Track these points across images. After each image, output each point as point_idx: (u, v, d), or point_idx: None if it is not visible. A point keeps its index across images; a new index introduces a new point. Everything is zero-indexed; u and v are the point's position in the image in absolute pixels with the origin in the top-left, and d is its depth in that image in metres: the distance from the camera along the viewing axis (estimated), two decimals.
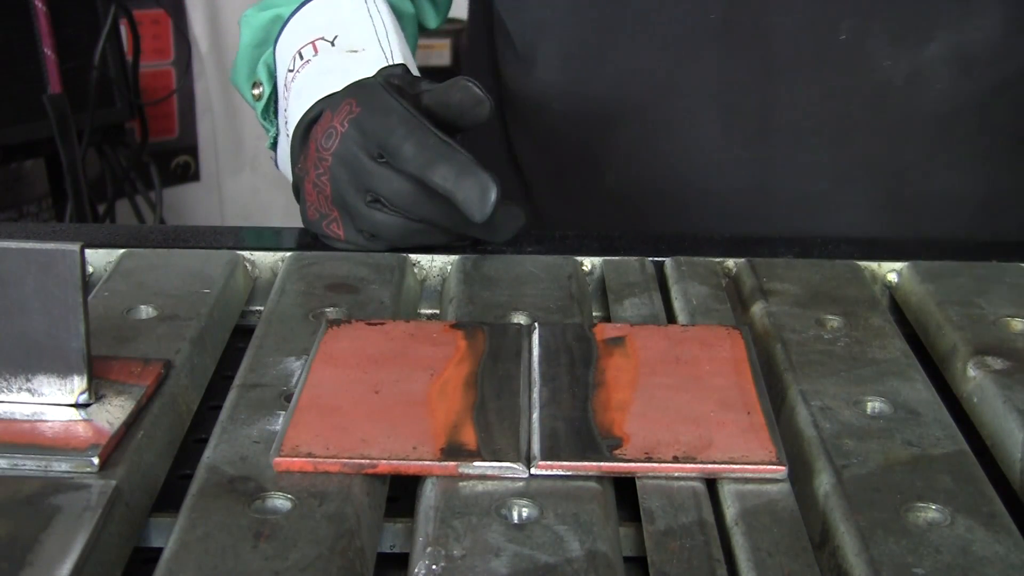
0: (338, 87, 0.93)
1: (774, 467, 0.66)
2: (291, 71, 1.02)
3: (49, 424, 0.68)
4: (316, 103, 0.95)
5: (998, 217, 1.16)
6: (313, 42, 1.02)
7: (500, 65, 1.21)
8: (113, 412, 0.69)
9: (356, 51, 0.99)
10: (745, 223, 1.12)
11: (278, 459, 0.65)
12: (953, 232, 1.12)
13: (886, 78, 1.08)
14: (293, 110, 0.99)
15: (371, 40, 1.00)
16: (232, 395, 0.73)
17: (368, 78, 0.91)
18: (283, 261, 0.91)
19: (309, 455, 0.65)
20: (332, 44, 1.00)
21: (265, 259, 0.92)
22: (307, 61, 1.00)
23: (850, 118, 1.09)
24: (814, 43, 1.06)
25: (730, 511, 0.64)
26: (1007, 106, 1.11)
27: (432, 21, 1.20)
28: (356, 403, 0.70)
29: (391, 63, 0.97)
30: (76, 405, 0.69)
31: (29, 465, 0.65)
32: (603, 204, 1.15)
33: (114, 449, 0.66)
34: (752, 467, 0.66)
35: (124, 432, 0.68)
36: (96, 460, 0.65)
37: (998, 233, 1.15)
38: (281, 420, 0.69)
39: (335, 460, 0.65)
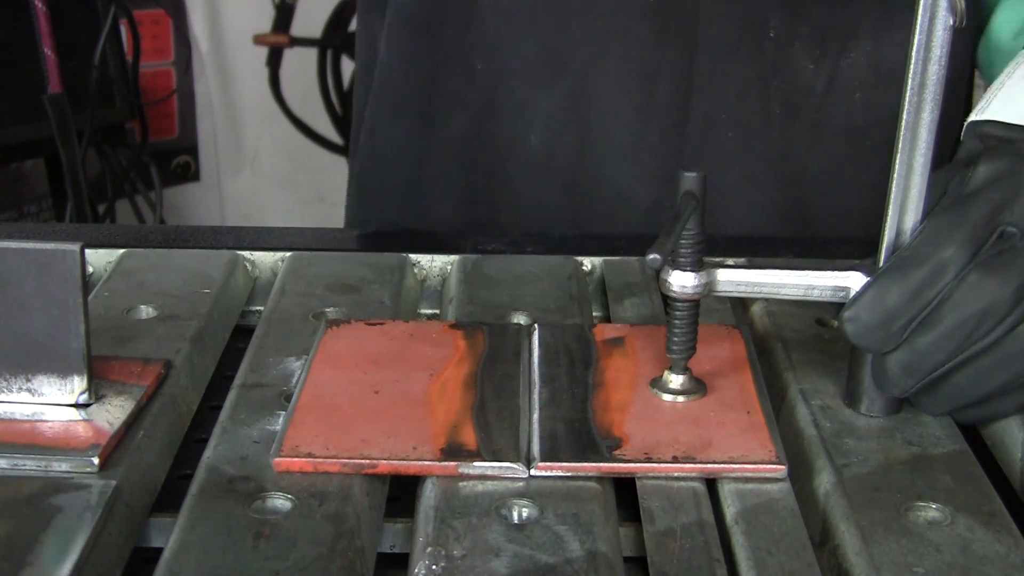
0: None
1: (774, 466, 0.66)
2: None
3: (49, 424, 0.68)
4: None
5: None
6: None
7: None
8: (113, 412, 0.69)
9: None
10: (649, 212, 1.12)
11: (278, 459, 0.65)
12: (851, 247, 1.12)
13: (807, 82, 1.08)
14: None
15: None
16: (232, 395, 0.73)
17: None
18: (283, 261, 0.91)
19: (309, 455, 0.65)
20: None
21: (265, 259, 0.92)
22: None
23: (765, 118, 1.09)
24: (742, 36, 1.07)
25: (730, 510, 0.64)
26: None
27: None
28: (356, 403, 0.70)
29: None
30: (76, 405, 0.69)
31: (29, 465, 0.64)
32: (525, 164, 1.14)
33: (114, 449, 0.66)
34: (752, 466, 0.66)
35: (124, 432, 0.68)
36: (96, 460, 0.65)
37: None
38: (281, 420, 0.69)
39: (335, 460, 0.65)
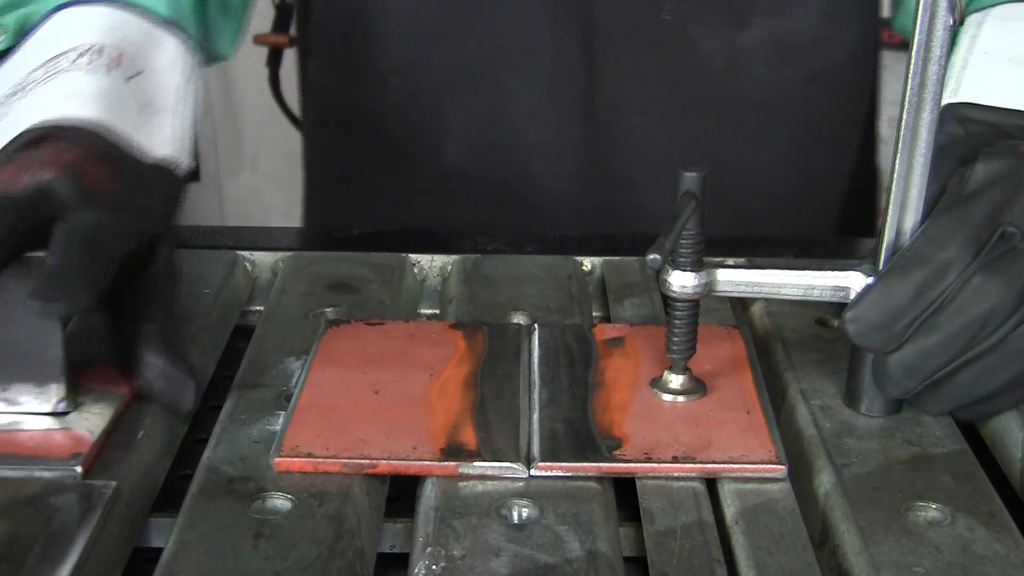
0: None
1: (774, 466, 0.66)
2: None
3: (28, 434, 0.66)
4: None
5: (808, 215, 1.17)
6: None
7: (320, 55, 1.20)
8: (92, 420, 0.68)
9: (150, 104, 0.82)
10: (569, 203, 1.13)
11: (278, 459, 0.65)
12: (770, 227, 1.12)
13: (707, 61, 1.09)
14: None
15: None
16: (232, 395, 0.73)
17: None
18: (283, 261, 0.91)
19: (309, 455, 0.65)
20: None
21: (265, 259, 0.92)
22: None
23: (671, 100, 1.10)
24: (636, 21, 1.07)
25: (730, 510, 0.64)
26: (822, 98, 1.13)
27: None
28: (356, 403, 0.70)
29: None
30: (54, 414, 0.68)
31: (10, 476, 0.63)
32: (442, 178, 1.15)
33: (96, 457, 0.65)
34: (752, 466, 0.66)
35: (105, 440, 0.67)
36: (79, 469, 0.64)
37: (807, 232, 1.16)
38: (281, 420, 0.69)
39: (335, 460, 0.65)
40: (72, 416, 0.68)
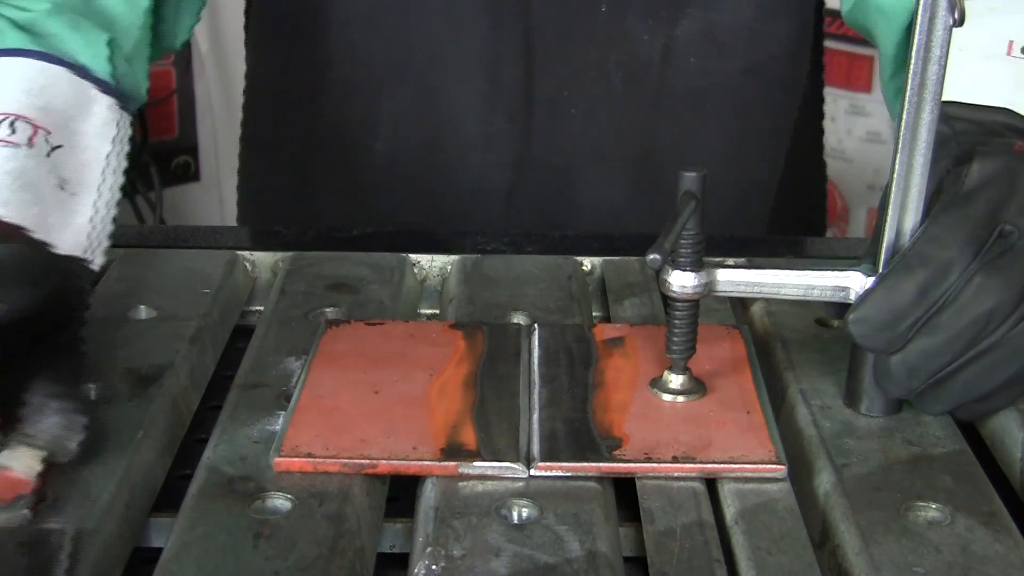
0: None
1: (774, 466, 0.66)
2: None
3: None
4: None
5: (745, 209, 1.17)
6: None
7: (260, 40, 1.20)
8: (24, 459, 0.64)
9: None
10: (504, 197, 1.13)
11: (278, 459, 0.65)
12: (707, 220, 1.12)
13: (643, 53, 1.10)
14: None
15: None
16: (232, 395, 0.73)
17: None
18: (283, 261, 0.91)
19: (309, 455, 0.65)
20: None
21: (265, 259, 0.92)
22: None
23: (606, 93, 1.11)
24: (574, 15, 1.08)
25: (730, 510, 0.64)
26: (758, 91, 1.14)
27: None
28: (356, 403, 0.70)
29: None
30: None
31: None
32: (373, 171, 1.15)
33: (42, 496, 0.62)
34: (752, 466, 0.66)
35: (45, 479, 0.63)
36: (28, 510, 0.61)
37: (743, 226, 1.16)
38: (281, 420, 0.69)
39: (335, 460, 0.65)
40: (3, 456, 0.63)
